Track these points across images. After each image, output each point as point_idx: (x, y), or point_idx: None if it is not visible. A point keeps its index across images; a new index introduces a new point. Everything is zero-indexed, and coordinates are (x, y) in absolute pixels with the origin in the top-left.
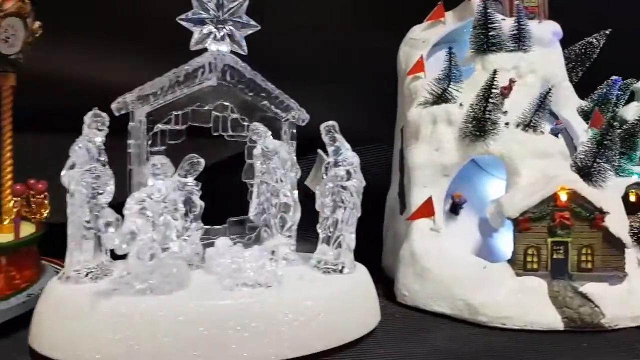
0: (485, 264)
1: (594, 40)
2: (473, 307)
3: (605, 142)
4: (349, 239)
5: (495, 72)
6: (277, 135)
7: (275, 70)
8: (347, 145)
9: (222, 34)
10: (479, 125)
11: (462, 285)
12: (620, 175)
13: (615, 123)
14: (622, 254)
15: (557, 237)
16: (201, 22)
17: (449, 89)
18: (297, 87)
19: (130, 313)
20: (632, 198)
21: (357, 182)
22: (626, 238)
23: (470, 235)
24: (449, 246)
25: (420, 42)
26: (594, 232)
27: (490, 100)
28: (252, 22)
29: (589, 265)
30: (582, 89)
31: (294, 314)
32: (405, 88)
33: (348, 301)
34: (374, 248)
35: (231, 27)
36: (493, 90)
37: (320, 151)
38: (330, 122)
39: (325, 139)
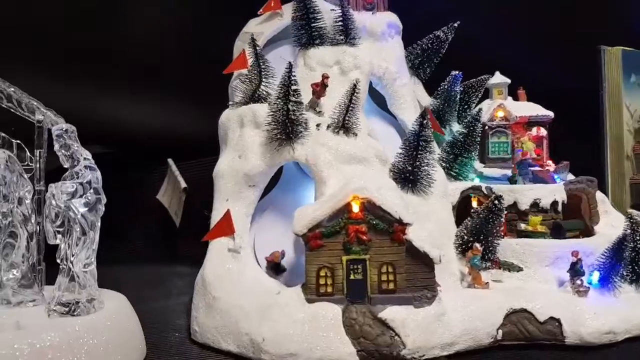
0: (281, 289)
1: (442, 33)
2: (256, 343)
3: (420, 144)
4: (80, 269)
5: (290, 65)
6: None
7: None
8: (86, 154)
9: None
10: (283, 128)
11: (248, 317)
12: (457, 179)
13: (425, 121)
14: (432, 270)
15: (354, 254)
16: None
17: (262, 87)
18: (138, 92)
19: None
20: (474, 203)
21: (88, 201)
22: (433, 252)
23: (286, 253)
24: (251, 269)
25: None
26: (395, 247)
27: (291, 99)
28: None
29: (392, 286)
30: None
31: None
32: (229, 88)
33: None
34: None
35: None
36: (293, 88)
37: (170, 161)
38: (64, 126)
39: (56, 146)
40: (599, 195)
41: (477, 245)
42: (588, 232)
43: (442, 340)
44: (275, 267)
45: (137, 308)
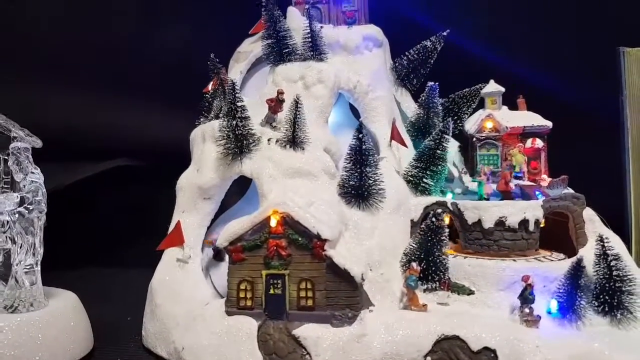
0: (212, 300)
1: (429, 43)
2: (178, 351)
3: (362, 159)
4: (21, 272)
5: (233, 83)
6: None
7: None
8: (34, 170)
9: None
10: (232, 143)
11: (178, 326)
12: (425, 194)
13: (360, 135)
14: (355, 288)
15: (273, 269)
16: None
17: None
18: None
19: None
20: (446, 220)
21: (28, 209)
22: (354, 270)
23: None
24: (193, 280)
25: (243, 56)
26: (315, 264)
27: (237, 115)
28: None
29: (310, 303)
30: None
31: None
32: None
33: None
34: None
35: None
36: (239, 104)
37: None
38: (19, 145)
39: (10, 161)
40: (587, 213)
41: (414, 264)
42: (572, 254)
43: None
44: (217, 252)
45: (112, 310)
